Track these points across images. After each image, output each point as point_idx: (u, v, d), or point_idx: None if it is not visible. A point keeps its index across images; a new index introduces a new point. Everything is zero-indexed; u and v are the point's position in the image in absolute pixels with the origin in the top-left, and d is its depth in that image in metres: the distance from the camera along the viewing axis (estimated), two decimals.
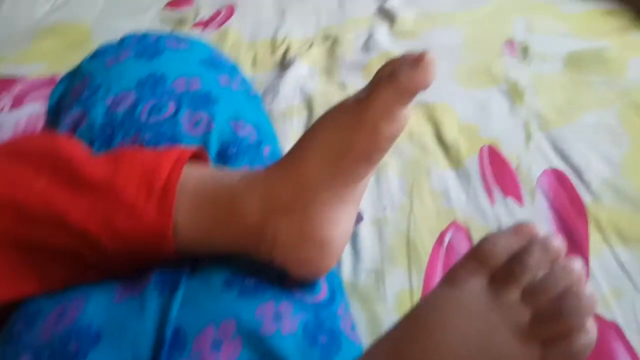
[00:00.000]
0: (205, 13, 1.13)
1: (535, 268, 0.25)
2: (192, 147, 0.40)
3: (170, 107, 0.48)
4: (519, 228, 0.28)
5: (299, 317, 0.35)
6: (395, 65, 0.31)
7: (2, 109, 0.90)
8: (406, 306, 0.49)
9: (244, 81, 0.59)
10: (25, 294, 0.37)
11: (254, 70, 0.91)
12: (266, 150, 0.48)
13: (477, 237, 0.54)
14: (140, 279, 0.37)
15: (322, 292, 0.38)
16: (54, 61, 1.06)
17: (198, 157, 0.41)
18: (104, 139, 0.46)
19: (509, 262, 0.26)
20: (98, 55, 0.54)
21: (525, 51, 0.80)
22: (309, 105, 0.77)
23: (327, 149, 0.33)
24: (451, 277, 0.28)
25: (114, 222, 0.35)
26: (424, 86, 0.30)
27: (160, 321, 0.34)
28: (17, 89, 0.95)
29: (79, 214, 0.35)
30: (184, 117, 0.47)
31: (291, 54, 0.91)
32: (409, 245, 0.54)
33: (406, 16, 0.95)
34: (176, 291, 0.35)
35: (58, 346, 0.33)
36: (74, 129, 0.48)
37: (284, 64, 0.90)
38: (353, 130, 0.32)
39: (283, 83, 0.82)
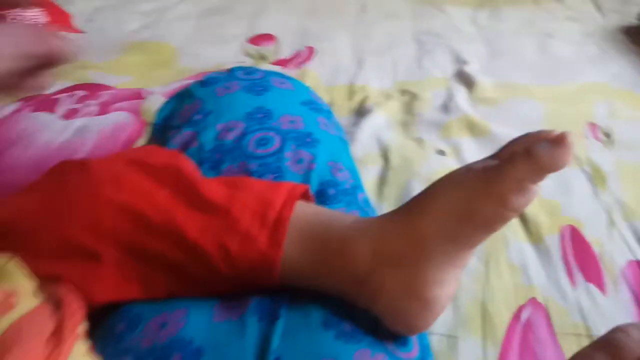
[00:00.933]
0: (285, 52, 1.18)
1: None
2: (302, 185, 0.41)
3: (277, 142, 0.49)
4: None
5: None
6: (533, 140, 0.32)
7: (88, 113, 0.95)
8: None
9: (337, 126, 0.61)
10: (128, 298, 0.37)
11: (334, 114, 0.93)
12: (360, 196, 0.49)
13: (556, 318, 0.53)
14: (239, 302, 0.37)
15: (414, 349, 0.37)
16: (140, 75, 1.12)
17: (305, 195, 0.42)
18: (212, 162, 0.48)
19: None
20: (209, 82, 0.57)
21: (608, 136, 0.79)
22: (385, 155, 0.78)
23: (449, 212, 0.33)
24: None
25: (227, 244, 0.36)
26: (562, 167, 0.31)
27: (262, 348, 0.34)
28: (104, 97, 1.00)
29: (197, 231, 0.36)
30: (289, 153, 0.49)
31: (369, 102, 0.93)
32: (485, 315, 0.53)
33: (485, 83, 0.97)
34: (276, 321, 0.36)
35: (160, 355, 0.33)
36: (184, 148, 0.50)
37: (361, 111, 0.92)
38: (480, 198, 0.32)
39: (360, 130, 0.84)
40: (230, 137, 0.49)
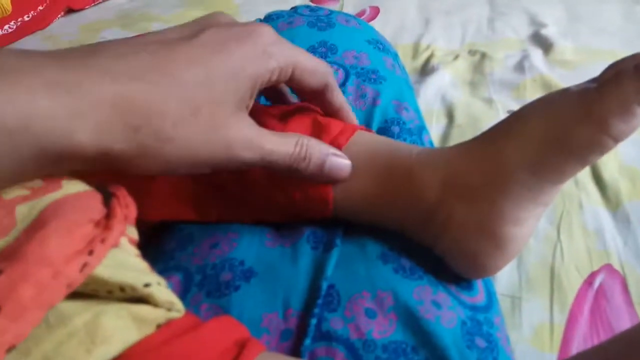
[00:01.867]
0: (349, 11, 1.14)
1: None
2: (359, 126, 0.38)
3: (340, 75, 0.47)
4: None
5: (456, 313, 0.31)
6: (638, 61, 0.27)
7: None
8: (545, 340, 0.44)
9: (404, 70, 0.57)
10: (179, 218, 0.36)
11: None
12: (426, 138, 0.46)
13: (634, 286, 0.48)
14: (292, 230, 0.36)
15: (480, 295, 0.34)
16: None
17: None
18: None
19: None
20: (271, 18, 0.55)
21: None
22: (450, 113, 0.74)
23: (537, 138, 0.29)
24: None
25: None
26: None
27: (315, 273, 0.32)
28: None
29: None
30: (352, 88, 0.46)
31: (434, 61, 0.88)
32: (553, 278, 0.49)
33: (564, 46, 0.89)
34: (331, 250, 0.34)
35: (210, 273, 0.32)
36: None
37: (425, 70, 0.87)
38: (575, 122, 0.28)
39: (424, 87, 0.79)
40: None
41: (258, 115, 0.37)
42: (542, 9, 1.06)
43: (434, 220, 0.32)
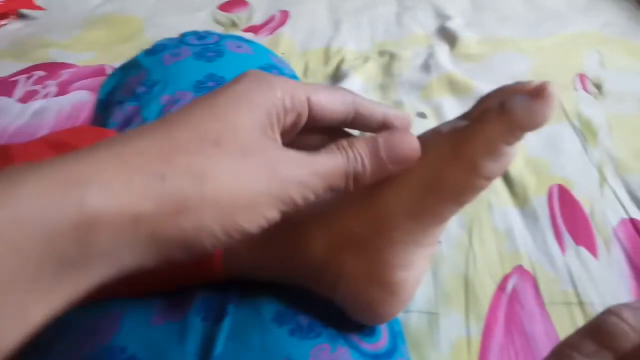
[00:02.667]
0: (258, 18, 1.11)
1: None
2: None
3: None
4: None
5: None
6: (508, 94, 0.27)
7: (47, 94, 0.89)
8: (462, 355, 0.44)
9: None
10: None
11: (305, 80, 0.87)
12: None
13: (544, 286, 0.49)
14: (182, 301, 0.33)
15: (383, 339, 0.34)
16: (103, 51, 1.05)
17: None
18: None
19: None
20: (156, 50, 0.52)
21: (598, 87, 0.74)
22: None
23: (412, 183, 0.29)
24: (563, 358, 0.23)
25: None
26: (542, 124, 0.26)
27: (204, 353, 0.30)
28: (64, 76, 0.94)
29: None
30: None
31: (345, 66, 0.88)
32: (467, 287, 0.49)
33: (469, 39, 0.91)
34: (222, 320, 0.32)
35: None
36: (126, 125, 0.45)
37: (336, 76, 0.86)
38: (447, 166, 0.28)
39: None
40: (176, 109, 0.44)
41: None
42: (447, 2, 1.07)
43: (326, 274, 0.31)
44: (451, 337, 0.46)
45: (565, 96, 0.73)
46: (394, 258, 0.30)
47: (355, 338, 0.32)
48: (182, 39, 0.53)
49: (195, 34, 0.54)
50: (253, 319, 0.32)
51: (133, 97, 0.47)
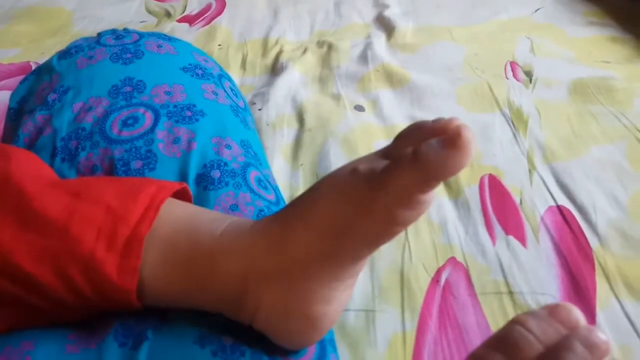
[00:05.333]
0: (193, 7, 1.07)
1: None
2: (171, 185, 0.34)
3: (147, 120, 0.42)
4: (556, 310, 0.23)
5: None
6: (422, 138, 0.25)
7: None
8: (398, 352, 0.45)
9: (232, 91, 0.54)
10: None
11: (242, 73, 0.85)
12: (253, 175, 0.43)
13: (476, 277, 0.50)
14: (98, 327, 0.32)
15: (309, 352, 0.33)
16: (29, 47, 0.99)
17: (179, 192, 0.36)
18: (67, 152, 0.40)
19: (547, 358, 0.22)
20: (70, 52, 0.49)
21: (529, 75, 0.76)
22: (300, 115, 0.72)
23: (326, 225, 0.28)
24: None
25: (68, 272, 0.29)
26: (458, 171, 0.25)
27: None
28: None
29: (30, 258, 0.29)
30: (162, 133, 0.42)
31: (283, 58, 0.86)
32: (403, 282, 0.50)
33: (405, 28, 0.91)
34: (141, 345, 0.30)
35: None
36: (36, 136, 0.42)
37: (275, 69, 0.84)
38: (361, 212, 0.27)
39: (274, 90, 0.77)
40: (90, 118, 0.42)
41: (39, 194, 0.32)
42: None
43: (244, 306, 0.31)
44: (387, 333, 0.46)
45: (497, 85, 0.74)
46: (311, 294, 0.30)
47: (279, 355, 0.32)
48: (99, 40, 0.50)
49: (113, 32, 0.51)
50: (174, 342, 0.31)
51: (44, 105, 0.43)
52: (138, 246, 0.30)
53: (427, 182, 0.25)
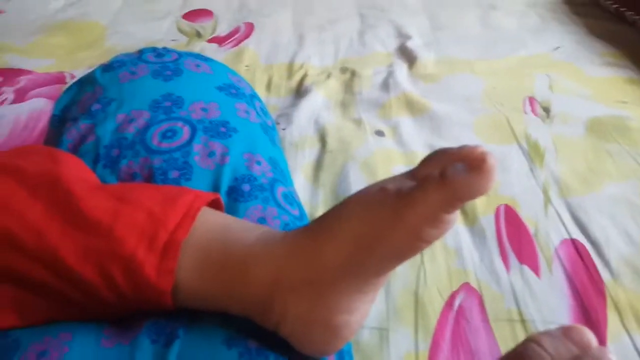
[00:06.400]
0: (223, 29, 1.12)
1: None
2: (206, 195, 0.36)
3: (185, 133, 0.45)
4: (569, 331, 0.25)
5: None
6: (448, 162, 0.27)
7: (4, 101, 0.87)
8: None
9: (262, 110, 0.56)
10: (1, 327, 0.33)
11: (268, 94, 0.88)
12: (279, 191, 0.45)
13: (489, 304, 0.51)
14: (132, 324, 0.33)
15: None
16: (63, 58, 1.03)
17: (213, 202, 0.38)
18: (109, 159, 0.43)
19: None
20: (113, 67, 0.52)
21: (546, 110, 0.78)
22: (322, 138, 0.75)
23: (354, 240, 0.30)
24: None
25: (111, 270, 0.31)
26: (482, 194, 0.27)
27: None
28: (21, 83, 0.92)
29: (75, 255, 0.31)
30: (199, 146, 0.44)
31: (308, 82, 0.89)
32: (417, 304, 0.51)
33: (427, 59, 0.94)
34: (173, 342, 0.32)
35: None
36: (79, 143, 0.45)
37: (299, 92, 0.87)
38: (389, 227, 0.29)
39: (298, 112, 0.80)
40: (132, 129, 0.44)
41: (85, 195, 0.34)
42: (407, 20, 1.11)
43: (271, 312, 0.32)
44: (400, 352, 0.47)
45: (515, 119, 0.76)
46: (336, 304, 0.31)
47: None
48: (140, 56, 0.53)
49: (153, 50, 0.54)
50: (203, 342, 0.32)
51: (87, 114, 0.46)
52: (175, 250, 0.32)
53: (452, 202, 0.27)
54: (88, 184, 0.37)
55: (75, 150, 0.44)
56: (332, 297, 0.31)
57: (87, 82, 0.52)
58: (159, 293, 0.32)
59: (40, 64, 1.00)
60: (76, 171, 0.37)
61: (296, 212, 0.45)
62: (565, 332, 0.25)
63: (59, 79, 0.95)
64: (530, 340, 0.24)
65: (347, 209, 0.32)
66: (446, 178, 0.26)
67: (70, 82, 0.94)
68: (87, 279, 0.32)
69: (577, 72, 0.89)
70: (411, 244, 0.29)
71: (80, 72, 0.97)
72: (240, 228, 0.35)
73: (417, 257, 0.56)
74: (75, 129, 0.46)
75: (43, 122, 0.81)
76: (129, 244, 0.32)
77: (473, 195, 0.26)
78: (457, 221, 0.60)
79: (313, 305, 0.32)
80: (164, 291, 0.32)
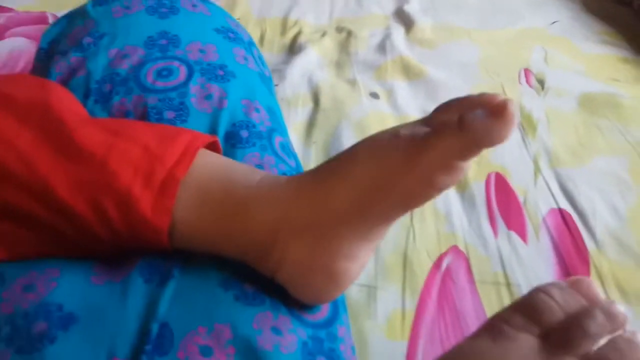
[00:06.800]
0: None
1: (598, 336, 0.23)
2: (205, 136, 0.35)
3: (181, 73, 0.43)
4: (577, 283, 0.25)
5: (297, 335, 0.31)
6: (468, 108, 0.26)
7: None
8: (396, 327, 0.46)
9: (260, 59, 0.55)
10: None
11: (260, 49, 0.86)
12: (277, 140, 0.44)
13: (476, 266, 0.52)
14: (124, 262, 0.32)
15: (323, 310, 0.34)
16: None
17: (210, 145, 0.37)
18: (101, 94, 0.41)
19: (568, 324, 0.23)
20: (106, 0, 0.49)
21: (541, 83, 0.78)
22: (316, 96, 0.73)
23: (363, 185, 0.29)
24: (493, 330, 0.24)
25: (103, 204, 0.30)
26: (500, 142, 0.26)
27: (146, 313, 0.29)
28: (1, 20, 0.87)
29: (66, 186, 0.30)
30: (195, 88, 0.43)
31: (302, 39, 0.87)
32: (406, 264, 0.51)
33: (425, 24, 0.92)
34: (167, 282, 0.31)
35: (22, 324, 0.28)
36: (69, 77, 0.43)
37: (293, 49, 0.85)
38: (400, 174, 0.28)
39: (291, 69, 0.78)
40: (125, 65, 0.42)
41: (78, 126, 0.32)
42: None
43: (270, 256, 0.32)
44: (387, 309, 0.48)
45: (510, 89, 0.76)
46: (338, 249, 0.31)
47: (297, 308, 0.33)
48: None
49: None
50: (199, 283, 0.31)
51: (78, 47, 0.44)
52: (173, 187, 0.31)
53: (470, 149, 0.26)
54: (80, 116, 0.35)
55: (65, 84, 0.42)
56: (334, 242, 0.31)
57: (77, 15, 0.49)
58: (155, 231, 0.31)
59: (21, 2, 0.95)
60: (68, 102, 0.35)
61: (292, 164, 0.44)
62: (574, 283, 0.25)
63: (41, 19, 0.91)
64: (539, 290, 0.24)
65: (357, 154, 0.31)
66: (465, 123, 0.26)
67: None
68: (79, 213, 0.30)
69: (572, 48, 0.89)
70: (423, 190, 0.29)
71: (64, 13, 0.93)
72: (242, 170, 0.34)
73: (407, 218, 0.56)
74: (65, 62, 0.43)
75: (23, 63, 0.77)
76: (124, 178, 0.31)
77: (492, 141, 0.26)
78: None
79: (314, 249, 0.31)
80: (160, 230, 0.31)
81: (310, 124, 0.69)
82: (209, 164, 0.33)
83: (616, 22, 0.98)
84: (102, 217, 0.31)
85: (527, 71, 0.81)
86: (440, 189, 0.29)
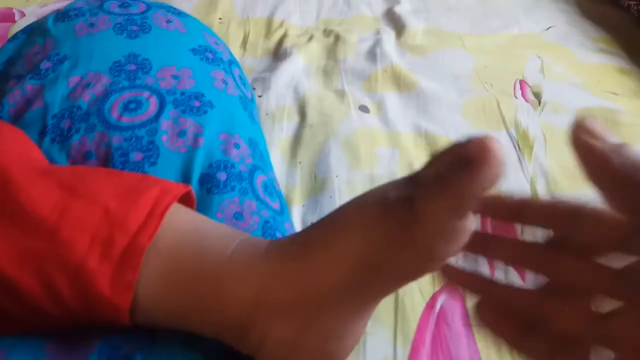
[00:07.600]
0: None
1: None
2: (176, 187, 0.30)
3: (151, 106, 0.39)
4: None
5: None
6: (445, 162, 0.23)
7: None
8: None
9: (241, 79, 0.50)
10: None
11: (243, 53, 0.81)
12: (259, 180, 0.40)
13: (472, 306, 0.49)
14: (80, 341, 0.28)
15: None
16: None
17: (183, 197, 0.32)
18: (59, 132, 0.36)
19: None
20: (69, 15, 0.44)
21: (538, 97, 0.75)
22: (302, 109, 0.69)
23: (354, 257, 0.26)
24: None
25: (54, 280, 0.26)
26: (490, 187, 0.22)
27: None
28: None
29: (10, 259, 0.26)
30: (167, 123, 0.38)
31: (288, 43, 0.82)
32: (397, 305, 0.48)
33: (416, 28, 0.88)
34: None
35: None
36: (24, 109, 0.38)
37: (278, 54, 0.80)
38: (395, 246, 0.25)
39: (276, 77, 0.73)
40: (87, 96, 0.37)
41: (36, 178, 0.28)
42: None
43: (250, 335, 0.28)
44: (377, 358, 0.44)
45: (505, 103, 0.72)
46: (328, 330, 0.27)
47: None
48: (102, 4, 0.45)
49: None
50: None
51: (35, 73, 0.39)
52: (137, 258, 0.27)
53: (457, 206, 0.23)
54: (31, 165, 0.30)
55: (19, 116, 0.37)
56: (324, 322, 0.27)
57: (37, 31, 0.44)
58: (114, 309, 0.27)
59: None
60: (19, 148, 0.31)
61: (276, 205, 0.40)
62: None
63: (7, 16, 0.84)
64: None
65: (344, 220, 0.27)
66: (443, 178, 0.22)
67: (19, 21, 0.83)
68: (24, 288, 0.26)
69: (569, 56, 0.86)
70: (421, 264, 0.25)
71: (31, 10, 0.86)
72: (216, 234, 0.30)
73: None
74: (20, 90, 0.38)
75: None
76: (79, 249, 0.26)
77: (481, 189, 0.22)
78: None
79: (301, 330, 0.27)
80: (120, 308, 0.27)
81: (296, 142, 0.64)
82: (178, 227, 0.29)
83: (613, 28, 0.95)
84: (53, 295, 0.26)
85: (522, 83, 0.77)
86: (441, 258, 0.25)
